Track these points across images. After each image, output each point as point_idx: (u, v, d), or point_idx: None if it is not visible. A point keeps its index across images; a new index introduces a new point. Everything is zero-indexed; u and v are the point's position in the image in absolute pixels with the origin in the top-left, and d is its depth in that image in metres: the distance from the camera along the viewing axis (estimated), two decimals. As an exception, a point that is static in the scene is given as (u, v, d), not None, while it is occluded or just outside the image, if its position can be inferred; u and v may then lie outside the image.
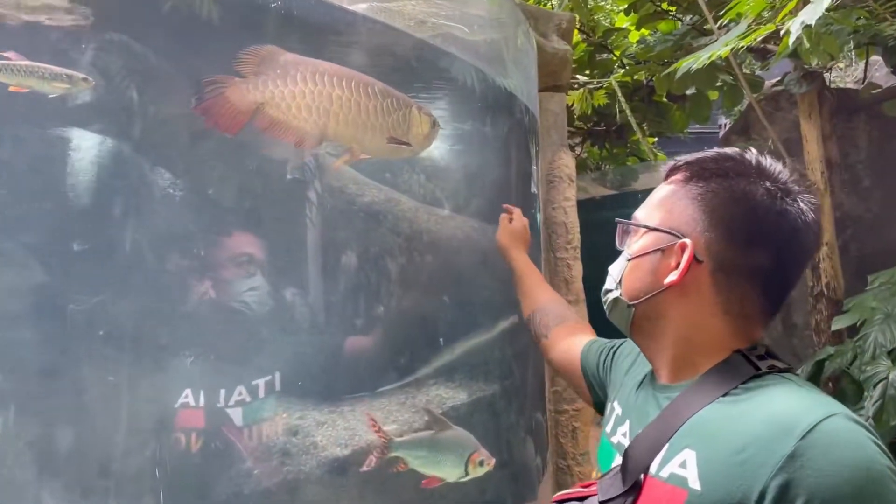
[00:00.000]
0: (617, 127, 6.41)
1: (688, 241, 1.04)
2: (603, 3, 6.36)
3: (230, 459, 1.70)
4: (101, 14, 1.69)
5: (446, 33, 2.12)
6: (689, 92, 5.93)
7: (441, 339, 2.04)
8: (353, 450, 1.77)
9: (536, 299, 1.89)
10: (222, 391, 1.79)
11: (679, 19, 5.64)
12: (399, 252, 2.04)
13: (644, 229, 1.13)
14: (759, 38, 3.10)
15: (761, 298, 1.04)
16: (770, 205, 1.01)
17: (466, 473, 1.82)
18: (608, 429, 1.22)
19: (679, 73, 4.09)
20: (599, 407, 1.48)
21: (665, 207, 1.11)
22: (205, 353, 1.82)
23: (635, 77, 5.96)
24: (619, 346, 1.43)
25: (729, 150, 1.10)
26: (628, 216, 1.19)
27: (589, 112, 5.33)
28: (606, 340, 1.52)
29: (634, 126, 4.66)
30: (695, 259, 1.03)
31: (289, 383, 1.85)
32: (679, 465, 0.93)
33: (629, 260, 1.13)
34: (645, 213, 1.15)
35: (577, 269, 2.95)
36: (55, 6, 1.49)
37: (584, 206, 3.12)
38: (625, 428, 1.14)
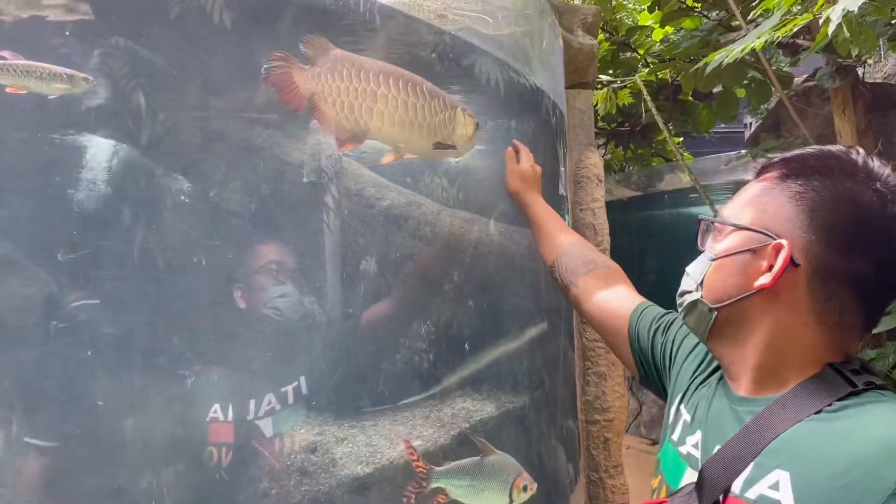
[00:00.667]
0: (641, 127, 6.28)
1: (784, 241, 0.95)
2: (626, 1, 6.25)
3: (246, 478, 1.62)
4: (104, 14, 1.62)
5: (468, 28, 2.02)
6: (715, 90, 5.81)
7: (467, 348, 1.94)
8: (375, 468, 1.67)
9: (558, 244, 1.75)
10: (250, 403, 1.72)
11: (705, 16, 5.51)
12: (421, 257, 1.95)
13: (731, 228, 1.05)
14: (793, 30, 2.97)
15: (861, 309, 0.96)
16: (880, 209, 0.93)
17: (511, 501, 1.70)
18: (675, 436, 1.14)
19: (709, 69, 3.98)
20: (644, 380, 1.42)
21: (757, 205, 1.02)
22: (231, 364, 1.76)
23: (660, 76, 5.84)
24: (683, 338, 1.31)
25: (832, 148, 1.00)
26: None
27: (613, 112, 5.20)
28: (658, 311, 1.42)
29: (661, 125, 4.52)
30: (791, 262, 0.95)
31: (306, 396, 1.77)
32: (770, 486, 0.86)
33: (713, 260, 1.05)
34: (733, 212, 1.07)
35: (607, 273, 2.83)
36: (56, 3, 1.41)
37: (609, 208, 3.02)
38: (695, 439, 1.07)
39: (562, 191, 2.42)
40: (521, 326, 2.05)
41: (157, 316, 1.73)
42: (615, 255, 2.85)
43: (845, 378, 0.91)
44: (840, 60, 4.33)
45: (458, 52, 1.97)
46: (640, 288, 1.60)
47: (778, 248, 0.96)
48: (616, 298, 1.53)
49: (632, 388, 6.27)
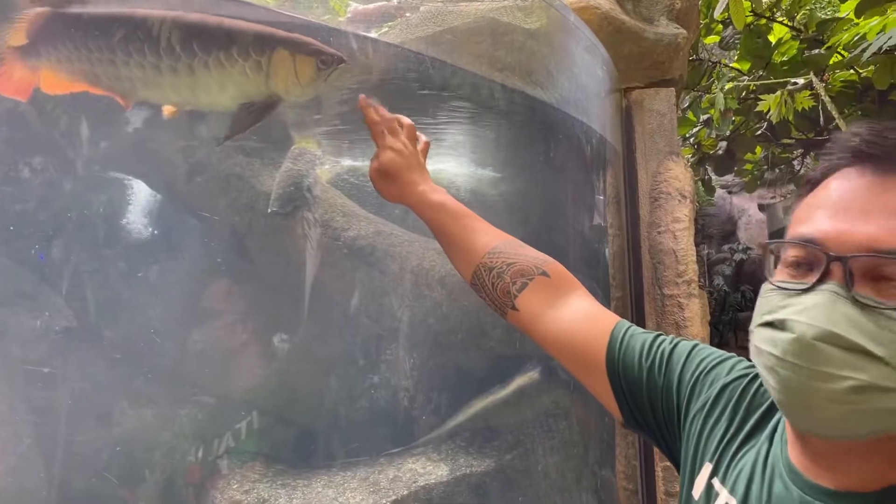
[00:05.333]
0: (843, 134, 5.43)
1: None
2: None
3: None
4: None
5: (452, 40, 1.79)
6: (934, 85, 4.87)
7: (433, 402, 1.69)
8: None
9: (473, 253, 1.21)
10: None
11: (918, -2, 4.64)
12: (386, 295, 1.74)
13: None
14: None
15: None
16: None
17: None
18: None
19: (869, 52, 3.30)
20: (630, 423, 1.05)
21: None
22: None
23: (863, 75, 5.01)
24: (693, 380, 0.99)
25: None
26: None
27: (790, 118, 4.52)
28: (645, 336, 1.05)
29: (844, 130, 3.83)
30: None
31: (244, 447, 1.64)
32: None
33: None
34: None
35: (693, 310, 2.37)
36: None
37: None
38: None
39: (598, 220, 2.06)
40: (506, 375, 1.75)
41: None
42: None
43: None
44: None
45: (432, 71, 1.74)
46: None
47: None
48: (579, 317, 1.12)
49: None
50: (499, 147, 1.88)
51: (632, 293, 2.33)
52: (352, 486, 1.56)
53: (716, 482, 0.90)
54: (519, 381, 1.76)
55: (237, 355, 1.70)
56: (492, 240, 1.21)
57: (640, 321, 2.33)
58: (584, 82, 1.94)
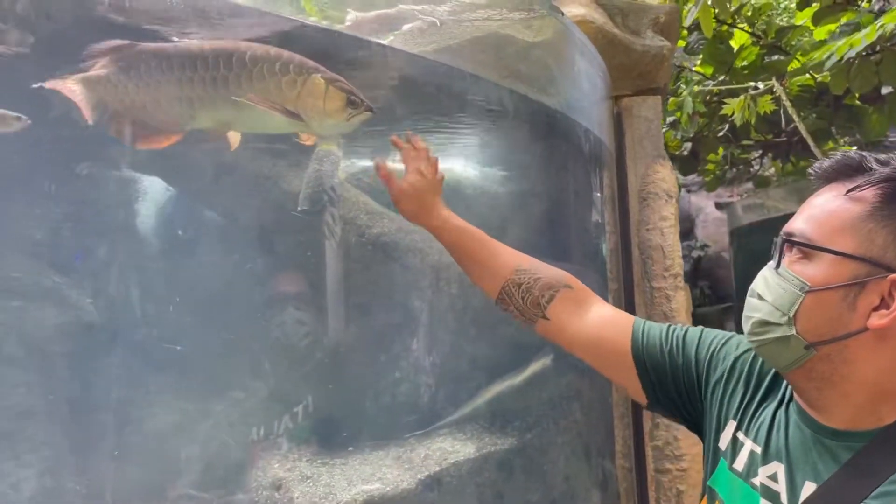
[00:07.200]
0: (800, 137, 5.69)
1: None
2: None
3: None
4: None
5: (462, 47, 1.92)
6: (885, 91, 5.16)
7: (459, 386, 1.83)
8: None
9: (499, 272, 1.39)
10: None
11: (872, 12, 4.91)
12: (409, 288, 1.87)
13: (829, 254, 0.95)
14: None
15: None
16: None
17: None
18: (739, 466, 1.07)
19: (829, 64, 3.54)
20: (653, 404, 1.25)
21: (862, 233, 0.93)
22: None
23: (819, 79, 5.28)
24: (709, 355, 1.19)
25: None
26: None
27: (752, 121, 4.75)
28: (660, 327, 1.26)
29: (803, 132, 4.09)
30: None
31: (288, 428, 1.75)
32: None
33: (809, 291, 0.95)
34: (822, 234, 0.96)
35: (679, 301, 2.56)
36: None
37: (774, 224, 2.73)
38: (772, 470, 1.01)
39: (596, 217, 2.23)
40: (522, 361, 1.90)
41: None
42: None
43: None
44: None
45: (447, 78, 1.88)
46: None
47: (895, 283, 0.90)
48: (602, 320, 1.32)
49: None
50: (509, 148, 2.02)
51: (623, 286, 2.51)
52: (387, 464, 1.69)
53: (740, 434, 1.09)
54: (534, 367, 1.91)
55: (280, 348, 1.81)
56: (514, 258, 1.42)
57: (630, 312, 2.51)
58: (585, 89, 2.10)
